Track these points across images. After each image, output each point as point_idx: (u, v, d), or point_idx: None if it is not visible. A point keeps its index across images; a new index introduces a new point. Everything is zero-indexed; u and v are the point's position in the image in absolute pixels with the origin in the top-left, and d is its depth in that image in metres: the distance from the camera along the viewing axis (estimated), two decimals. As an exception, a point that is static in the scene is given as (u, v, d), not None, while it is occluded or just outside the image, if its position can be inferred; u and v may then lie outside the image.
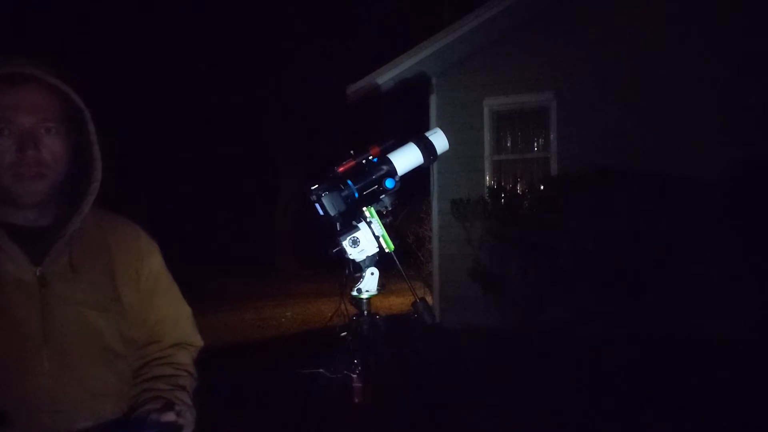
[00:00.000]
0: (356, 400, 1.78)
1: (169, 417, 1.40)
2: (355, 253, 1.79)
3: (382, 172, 1.84)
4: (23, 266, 1.37)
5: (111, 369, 1.45)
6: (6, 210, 1.40)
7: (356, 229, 1.79)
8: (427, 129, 1.99)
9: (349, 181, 1.82)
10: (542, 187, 8.36)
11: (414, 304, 1.84)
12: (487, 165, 8.95)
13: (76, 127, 1.45)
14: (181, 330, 1.64)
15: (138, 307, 1.53)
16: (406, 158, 1.88)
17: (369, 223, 1.80)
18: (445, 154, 1.94)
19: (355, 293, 1.83)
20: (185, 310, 1.67)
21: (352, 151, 1.87)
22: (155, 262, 1.61)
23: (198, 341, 1.68)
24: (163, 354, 1.58)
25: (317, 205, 1.81)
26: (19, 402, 1.32)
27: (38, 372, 1.34)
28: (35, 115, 1.37)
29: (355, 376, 1.77)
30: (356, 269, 1.82)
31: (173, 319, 1.63)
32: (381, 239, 1.80)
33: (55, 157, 1.39)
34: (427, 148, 1.90)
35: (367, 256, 1.81)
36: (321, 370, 1.80)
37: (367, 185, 1.84)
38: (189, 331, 1.66)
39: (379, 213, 1.83)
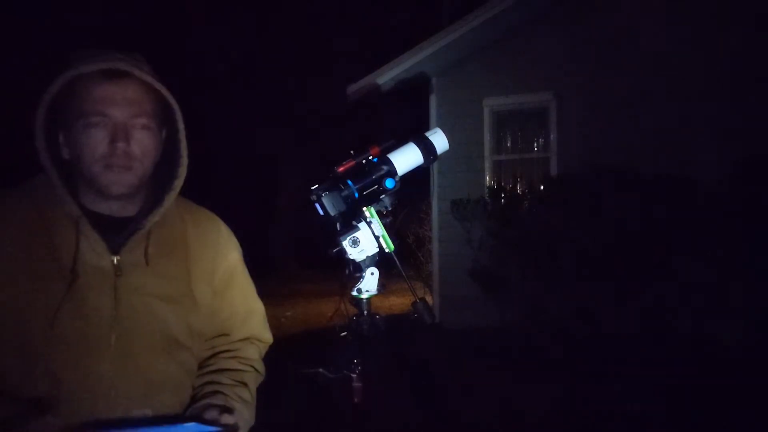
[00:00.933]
0: (356, 400, 1.78)
1: (228, 420, 1.42)
2: (355, 253, 1.79)
3: (382, 172, 1.84)
4: (102, 254, 1.41)
5: (175, 360, 1.47)
6: (93, 199, 1.45)
7: (356, 229, 1.79)
8: (427, 129, 1.98)
9: (349, 181, 1.82)
10: (542, 187, 8.36)
11: (414, 304, 1.83)
12: (487, 165, 8.96)
13: (166, 123, 1.49)
14: (251, 325, 1.67)
15: (210, 302, 1.56)
16: (406, 158, 1.88)
17: (369, 223, 1.80)
18: (445, 154, 1.94)
19: (355, 293, 1.83)
20: (258, 307, 1.70)
21: (352, 151, 1.86)
22: (232, 257, 1.65)
23: (268, 338, 1.71)
24: (231, 347, 1.61)
25: (317, 205, 1.80)
26: (81, 384, 1.35)
27: (104, 357, 1.38)
28: (128, 110, 1.41)
29: (354, 375, 1.77)
30: (356, 269, 1.82)
31: (244, 315, 1.65)
32: (381, 239, 1.80)
33: (143, 151, 1.43)
34: (427, 148, 1.89)
35: (368, 256, 1.80)
36: (321, 370, 1.79)
37: (367, 185, 1.84)
38: (260, 328, 1.69)
39: (379, 213, 1.83)
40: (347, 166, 1.85)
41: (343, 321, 1.83)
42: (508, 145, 9.07)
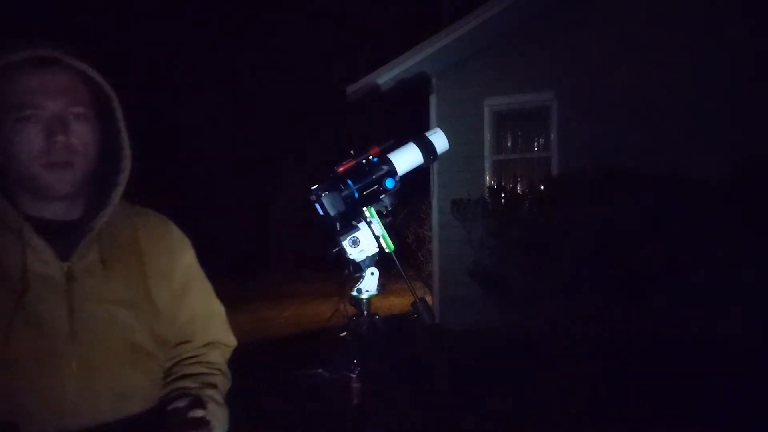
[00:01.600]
0: (355, 401, 1.77)
1: (197, 413, 1.34)
2: (355, 253, 1.79)
3: (382, 172, 1.84)
4: (50, 262, 1.30)
5: (141, 369, 1.38)
6: (33, 203, 1.34)
7: (356, 229, 1.79)
8: (427, 129, 1.98)
9: (349, 181, 1.81)
10: (542, 187, 8.35)
11: (414, 304, 1.83)
12: (487, 165, 8.95)
13: (103, 113, 1.38)
14: (213, 329, 1.58)
15: (170, 305, 1.47)
16: (406, 158, 1.88)
17: (369, 223, 1.80)
18: (445, 154, 1.94)
19: (355, 293, 1.82)
20: (218, 309, 1.61)
21: (352, 151, 1.86)
22: (188, 258, 1.54)
23: (231, 341, 1.62)
24: (195, 353, 1.53)
25: (317, 205, 1.80)
26: (43, 404, 1.27)
27: (65, 373, 1.28)
28: (63, 99, 1.30)
29: (353, 376, 1.77)
30: (356, 269, 1.81)
31: (205, 318, 1.56)
32: (381, 239, 1.80)
33: (84, 144, 1.32)
34: (427, 148, 1.89)
35: (368, 256, 1.80)
36: (320, 371, 1.79)
37: (367, 185, 1.83)
38: (222, 331, 1.60)
39: (379, 213, 1.82)
40: (347, 166, 1.84)
41: (342, 321, 1.83)
42: (509, 144, 9.06)
